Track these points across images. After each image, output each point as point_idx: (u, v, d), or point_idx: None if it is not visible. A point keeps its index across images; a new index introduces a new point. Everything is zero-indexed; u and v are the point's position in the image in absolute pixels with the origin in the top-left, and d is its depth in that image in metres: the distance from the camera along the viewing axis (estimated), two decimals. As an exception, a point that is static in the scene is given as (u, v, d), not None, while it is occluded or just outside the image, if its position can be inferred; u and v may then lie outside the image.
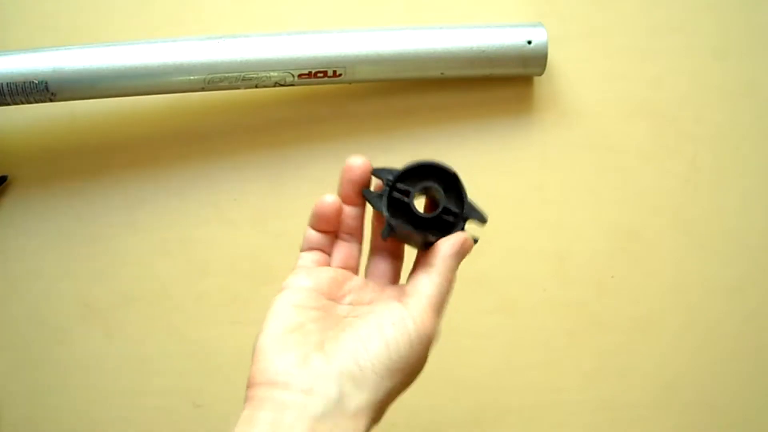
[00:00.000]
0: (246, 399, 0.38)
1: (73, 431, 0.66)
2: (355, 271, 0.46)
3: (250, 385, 0.38)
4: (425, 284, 0.42)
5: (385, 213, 0.44)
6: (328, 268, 0.45)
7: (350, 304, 0.44)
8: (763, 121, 0.68)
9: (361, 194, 0.45)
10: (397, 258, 0.46)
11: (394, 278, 0.46)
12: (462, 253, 0.43)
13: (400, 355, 0.39)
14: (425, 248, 0.44)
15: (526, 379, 0.66)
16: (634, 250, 0.67)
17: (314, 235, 0.45)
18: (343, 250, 0.46)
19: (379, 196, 0.44)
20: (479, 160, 0.67)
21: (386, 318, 0.40)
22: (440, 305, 0.42)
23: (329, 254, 0.46)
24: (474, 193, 0.67)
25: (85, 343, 0.66)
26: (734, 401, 0.66)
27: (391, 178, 0.44)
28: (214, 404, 0.66)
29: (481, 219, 0.45)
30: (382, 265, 0.46)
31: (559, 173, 0.67)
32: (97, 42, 0.62)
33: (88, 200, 0.67)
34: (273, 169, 0.67)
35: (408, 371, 0.39)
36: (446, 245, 0.43)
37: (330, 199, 0.44)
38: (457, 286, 0.43)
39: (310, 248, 0.45)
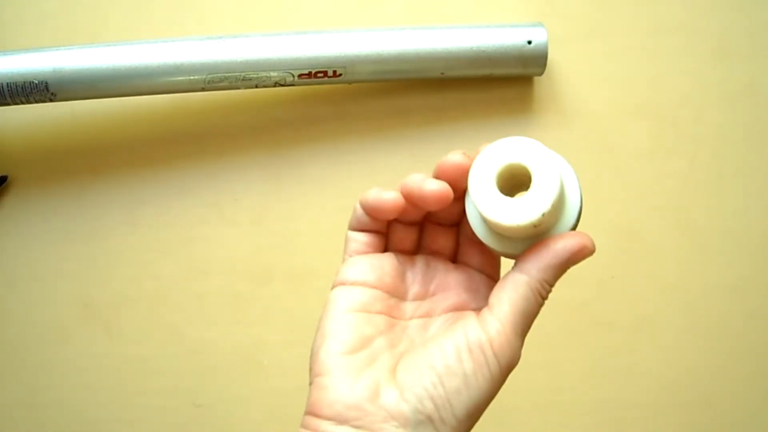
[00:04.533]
0: (304, 426, 0.34)
1: (72, 431, 0.66)
2: (413, 251, 0.40)
3: (313, 415, 0.34)
4: (514, 299, 0.36)
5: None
6: (389, 254, 0.38)
7: (414, 299, 0.38)
8: (763, 121, 0.68)
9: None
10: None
11: (451, 249, 0.40)
12: (574, 262, 0.38)
13: (480, 391, 0.34)
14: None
15: (526, 379, 0.66)
16: (634, 250, 0.67)
17: (365, 216, 0.38)
18: (399, 227, 0.39)
19: None
20: (479, 160, 0.67)
21: (462, 343, 0.34)
22: (526, 327, 0.37)
23: (384, 234, 0.39)
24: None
25: (85, 343, 0.66)
26: (734, 401, 0.66)
27: None
28: (214, 404, 0.66)
29: None
30: (441, 239, 0.39)
31: (559, 173, 0.67)
32: (97, 42, 0.62)
33: (88, 200, 0.67)
34: (273, 169, 0.67)
35: (484, 407, 0.35)
36: (559, 247, 0.37)
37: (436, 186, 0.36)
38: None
39: (362, 229, 0.38)
